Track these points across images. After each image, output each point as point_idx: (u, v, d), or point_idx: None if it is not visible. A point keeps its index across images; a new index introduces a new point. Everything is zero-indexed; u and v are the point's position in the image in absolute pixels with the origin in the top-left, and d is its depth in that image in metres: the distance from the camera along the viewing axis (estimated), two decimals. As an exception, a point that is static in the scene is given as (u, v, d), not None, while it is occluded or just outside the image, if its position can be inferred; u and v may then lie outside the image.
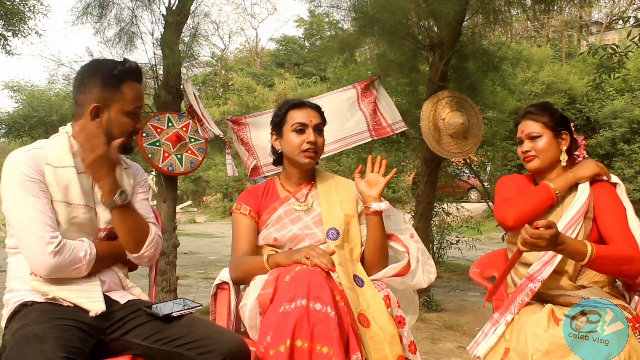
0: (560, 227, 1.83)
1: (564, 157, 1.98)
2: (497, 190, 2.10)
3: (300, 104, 2.05)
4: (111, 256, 1.70)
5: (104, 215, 1.70)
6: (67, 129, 1.70)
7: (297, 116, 2.01)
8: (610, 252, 1.76)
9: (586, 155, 2.07)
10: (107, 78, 1.63)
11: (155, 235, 1.77)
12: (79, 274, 1.59)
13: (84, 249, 1.60)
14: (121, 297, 1.68)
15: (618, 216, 1.87)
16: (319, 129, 2.04)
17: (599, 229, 1.87)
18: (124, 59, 1.70)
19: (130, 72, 1.67)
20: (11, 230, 1.61)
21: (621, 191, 1.95)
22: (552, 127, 1.97)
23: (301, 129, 1.99)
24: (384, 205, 1.96)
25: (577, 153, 2.05)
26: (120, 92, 1.64)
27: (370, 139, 4.22)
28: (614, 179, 1.96)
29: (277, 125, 2.06)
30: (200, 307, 1.68)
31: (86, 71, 1.67)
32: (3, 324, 1.60)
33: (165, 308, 1.62)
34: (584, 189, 1.91)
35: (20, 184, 1.55)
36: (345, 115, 4.08)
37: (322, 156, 2.21)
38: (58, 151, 1.63)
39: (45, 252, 1.51)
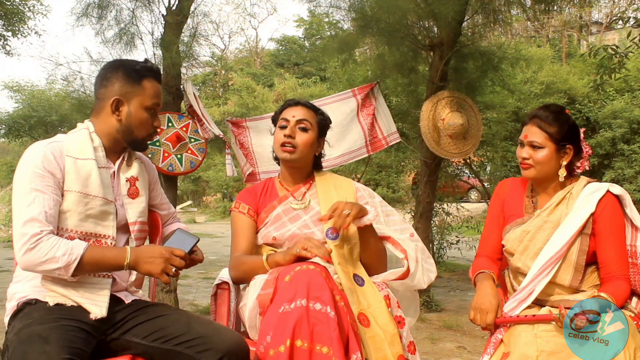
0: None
1: (562, 173, 1.86)
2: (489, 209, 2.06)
3: (294, 103, 2.06)
4: (100, 263, 1.54)
5: (132, 209, 1.73)
6: (86, 125, 1.72)
7: (285, 113, 2.03)
8: (621, 297, 1.74)
9: (587, 168, 1.94)
10: (129, 72, 1.67)
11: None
12: (61, 275, 1.50)
13: (66, 249, 1.48)
14: (126, 296, 1.69)
15: (617, 238, 1.80)
16: (302, 126, 2.00)
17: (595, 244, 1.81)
18: (146, 59, 1.76)
19: (150, 70, 1.71)
20: None
21: (627, 202, 1.83)
22: (556, 141, 1.84)
23: (284, 125, 2.01)
24: (371, 216, 1.87)
25: (577, 164, 1.92)
26: (141, 86, 1.68)
27: (367, 155, 4.28)
28: (618, 190, 1.83)
29: (273, 124, 2.10)
30: (198, 240, 1.69)
31: (109, 67, 1.72)
32: (6, 320, 1.60)
33: (181, 245, 1.63)
34: (584, 204, 1.81)
35: (29, 176, 1.55)
36: (344, 131, 4.14)
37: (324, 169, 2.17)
38: (79, 144, 1.66)
39: (19, 247, 1.48)
